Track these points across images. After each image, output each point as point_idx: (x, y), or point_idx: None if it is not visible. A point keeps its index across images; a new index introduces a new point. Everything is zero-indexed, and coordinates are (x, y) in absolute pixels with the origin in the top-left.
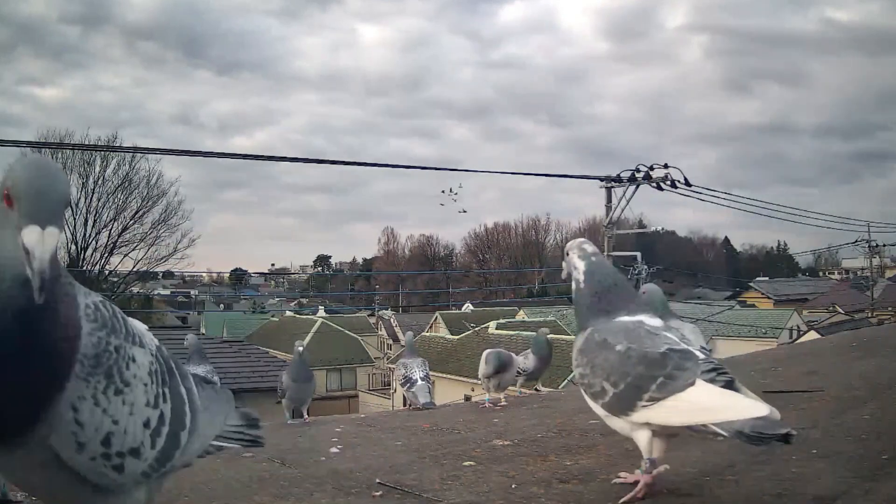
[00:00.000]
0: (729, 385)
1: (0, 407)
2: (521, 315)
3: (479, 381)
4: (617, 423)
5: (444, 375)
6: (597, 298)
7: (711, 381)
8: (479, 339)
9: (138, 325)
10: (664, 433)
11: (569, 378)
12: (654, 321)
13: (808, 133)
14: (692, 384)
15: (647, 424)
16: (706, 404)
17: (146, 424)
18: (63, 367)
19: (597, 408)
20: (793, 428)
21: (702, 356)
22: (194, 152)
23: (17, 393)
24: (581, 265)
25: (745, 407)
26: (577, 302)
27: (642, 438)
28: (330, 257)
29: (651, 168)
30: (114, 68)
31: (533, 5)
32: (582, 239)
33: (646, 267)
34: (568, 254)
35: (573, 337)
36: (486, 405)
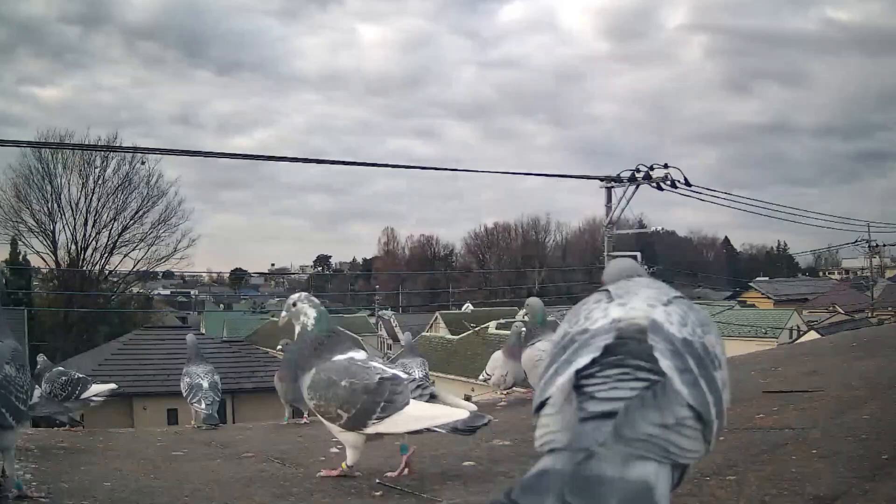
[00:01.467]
0: (433, 397)
1: None
2: (522, 315)
3: (485, 381)
4: (343, 435)
5: (444, 375)
6: (318, 342)
7: (419, 396)
8: (479, 339)
9: None
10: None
11: None
12: (360, 355)
13: (808, 133)
14: (407, 403)
15: (377, 434)
16: (420, 415)
17: None
18: None
19: (332, 427)
20: (492, 418)
21: (408, 377)
22: (194, 152)
23: None
24: (312, 313)
25: (450, 413)
26: (302, 345)
27: (351, 440)
28: (330, 257)
29: (651, 168)
30: (114, 68)
31: (533, 5)
32: (305, 293)
33: (646, 267)
34: (295, 304)
35: None
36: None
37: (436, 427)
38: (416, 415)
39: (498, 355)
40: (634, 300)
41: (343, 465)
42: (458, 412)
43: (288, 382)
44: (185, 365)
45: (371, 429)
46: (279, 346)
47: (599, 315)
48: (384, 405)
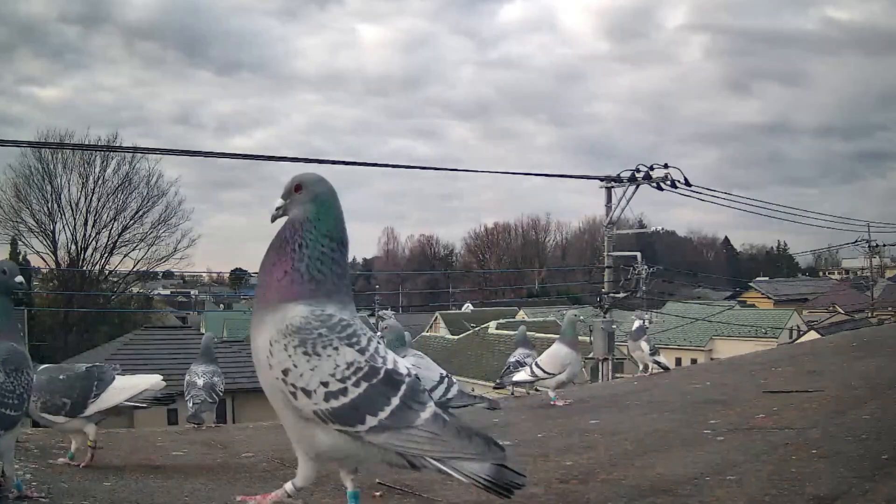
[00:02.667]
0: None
1: None
2: (521, 315)
3: (534, 380)
4: (67, 425)
5: None
6: None
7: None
8: (479, 339)
9: None
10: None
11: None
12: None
13: (808, 133)
14: (114, 378)
15: (97, 413)
16: (123, 387)
17: None
18: None
19: (48, 417)
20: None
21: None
22: (194, 152)
23: None
24: None
25: (142, 381)
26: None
27: (90, 430)
28: None
29: (651, 168)
30: (113, 68)
31: (532, 5)
32: None
33: (646, 267)
34: None
35: None
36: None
37: (138, 396)
38: (120, 387)
39: (565, 350)
40: None
41: None
42: (147, 379)
43: None
44: (194, 364)
45: (89, 409)
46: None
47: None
48: (97, 384)
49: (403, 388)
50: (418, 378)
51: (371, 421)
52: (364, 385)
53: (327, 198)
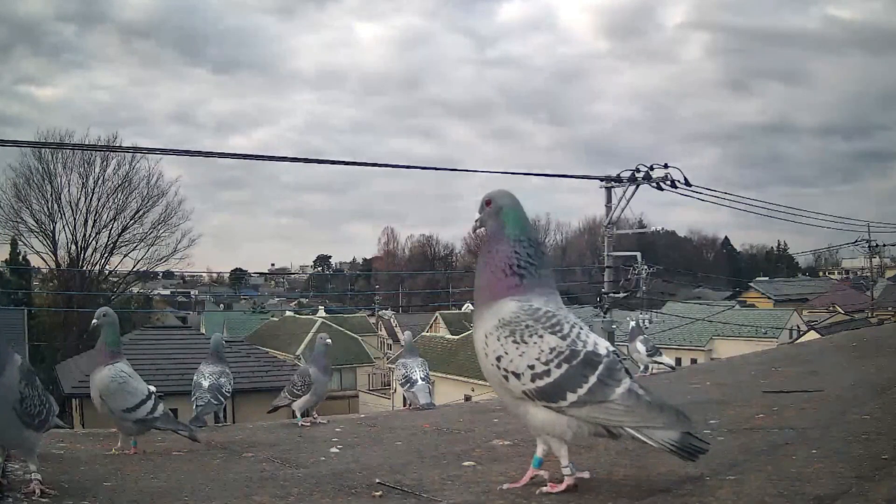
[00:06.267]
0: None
1: None
2: None
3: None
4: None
5: (445, 375)
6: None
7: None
8: None
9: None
10: None
11: None
12: None
13: (809, 133)
14: None
15: None
16: None
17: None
18: None
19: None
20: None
21: None
22: (194, 152)
23: None
24: None
25: None
26: None
27: None
28: (330, 257)
29: (651, 168)
30: (111, 67)
31: (532, 3)
32: None
33: (646, 267)
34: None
35: None
36: None
37: None
38: None
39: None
40: None
41: None
42: None
43: (327, 376)
44: (204, 364)
45: None
46: (327, 340)
47: None
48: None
49: (601, 367)
50: (618, 356)
51: (571, 397)
52: (565, 367)
53: (512, 207)
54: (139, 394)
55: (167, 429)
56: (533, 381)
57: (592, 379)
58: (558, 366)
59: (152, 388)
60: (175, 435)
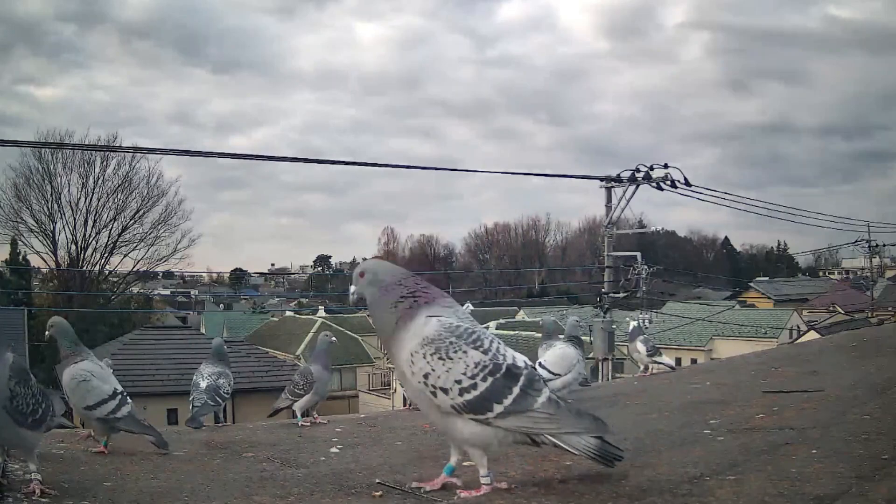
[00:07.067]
0: None
1: None
2: (521, 315)
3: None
4: None
5: None
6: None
7: None
8: None
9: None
10: None
11: None
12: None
13: (809, 133)
14: None
15: None
16: None
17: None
18: None
19: None
20: None
21: None
22: (194, 152)
23: None
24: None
25: None
26: None
27: None
28: (330, 257)
29: (651, 168)
30: (110, 67)
31: (532, 3)
32: None
33: (646, 267)
34: None
35: None
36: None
37: None
38: None
39: (572, 351)
40: None
41: None
42: None
43: (330, 374)
44: (204, 365)
45: None
46: (331, 339)
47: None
48: None
49: (522, 378)
50: (535, 368)
51: (498, 408)
52: (490, 380)
53: (377, 270)
54: (101, 392)
55: (131, 431)
56: (461, 394)
57: (516, 390)
58: (484, 379)
59: (119, 388)
60: (174, 435)
